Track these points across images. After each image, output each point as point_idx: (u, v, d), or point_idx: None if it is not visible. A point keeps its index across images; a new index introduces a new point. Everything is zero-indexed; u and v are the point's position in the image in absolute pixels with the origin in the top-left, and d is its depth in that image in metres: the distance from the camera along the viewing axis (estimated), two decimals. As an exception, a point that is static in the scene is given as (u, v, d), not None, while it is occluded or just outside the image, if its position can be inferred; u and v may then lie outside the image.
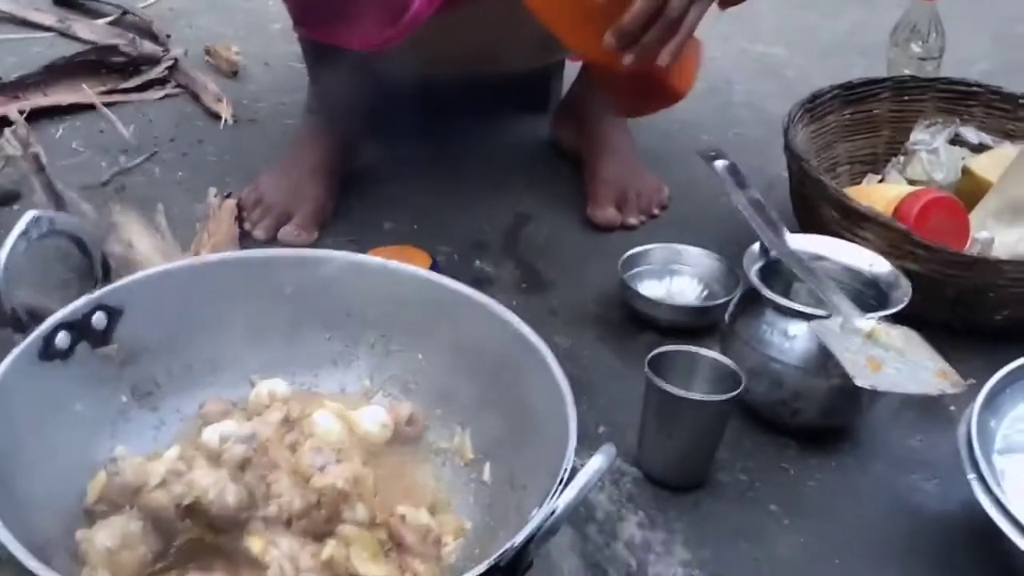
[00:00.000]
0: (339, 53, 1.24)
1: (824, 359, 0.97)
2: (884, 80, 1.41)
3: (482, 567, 0.67)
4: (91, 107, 1.51)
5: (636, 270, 1.21)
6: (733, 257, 1.19)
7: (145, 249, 1.16)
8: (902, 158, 1.36)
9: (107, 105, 1.52)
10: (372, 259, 0.96)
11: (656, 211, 1.36)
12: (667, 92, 1.11)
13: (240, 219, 1.27)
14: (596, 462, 0.70)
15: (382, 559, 0.75)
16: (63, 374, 0.83)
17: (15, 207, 1.31)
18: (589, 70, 1.19)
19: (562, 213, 1.37)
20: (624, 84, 1.09)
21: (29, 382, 0.80)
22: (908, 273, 1.05)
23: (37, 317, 0.85)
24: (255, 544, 0.74)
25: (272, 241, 1.26)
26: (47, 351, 0.82)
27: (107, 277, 0.90)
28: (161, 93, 1.57)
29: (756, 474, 1.00)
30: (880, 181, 1.34)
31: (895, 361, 0.93)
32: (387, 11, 1.13)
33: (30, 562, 0.65)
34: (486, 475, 0.86)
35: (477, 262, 1.28)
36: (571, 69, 1.52)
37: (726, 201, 1.15)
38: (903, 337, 0.96)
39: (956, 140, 1.36)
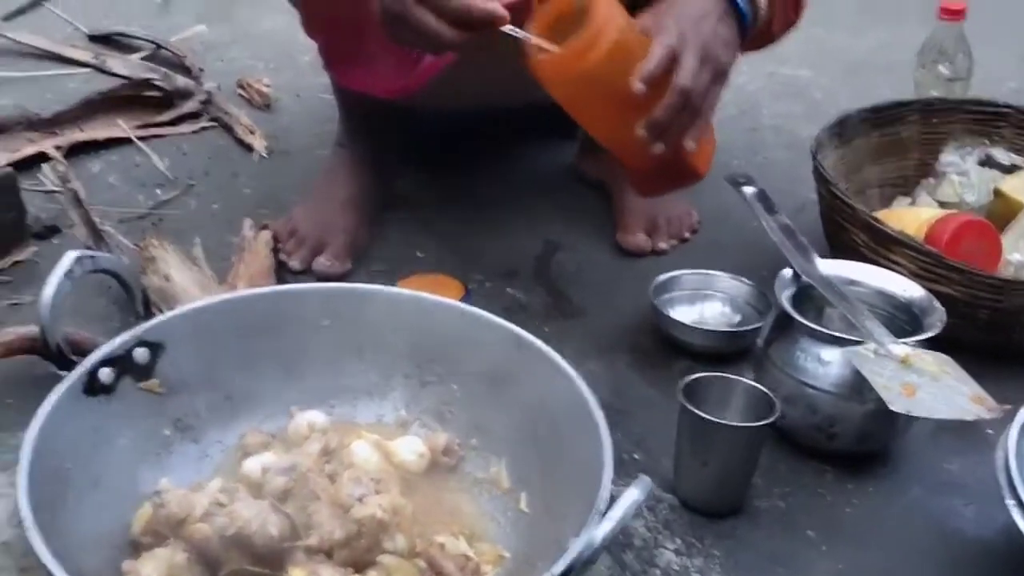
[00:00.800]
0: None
1: (859, 384, 0.97)
2: (912, 102, 1.41)
3: (522, 597, 0.68)
4: (127, 141, 1.54)
5: (667, 296, 1.22)
6: (764, 282, 1.19)
7: (183, 281, 1.18)
8: (932, 180, 1.35)
9: (142, 139, 1.55)
10: (404, 292, 0.98)
11: (686, 235, 1.37)
12: (687, 173, 1.11)
13: (275, 250, 1.28)
14: (632, 494, 0.71)
15: (422, 588, 0.76)
16: (107, 409, 0.85)
17: (54, 241, 1.33)
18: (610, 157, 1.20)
19: (592, 239, 1.38)
20: (643, 172, 1.10)
21: (74, 417, 0.82)
22: (940, 296, 1.05)
23: (79, 350, 0.87)
24: (297, 574, 0.75)
25: (306, 272, 1.28)
26: (91, 386, 0.84)
27: (147, 311, 0.92)
28: (195, 127, 1.60)
29: (793, 500, 1.00)
30: (910, 204, 1.34)
31: (930, 386, 0.93)
32: (402, 63, 1.16)
33: (79, 595, 0.67)
34: (523, 504, 0.87)
35: (508, 290, 1.29)
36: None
37: (756, 226, 1.16)
38: (937, 362, 0.96)
39: (987, 161, 1.36)
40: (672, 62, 0.97)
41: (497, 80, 1.32)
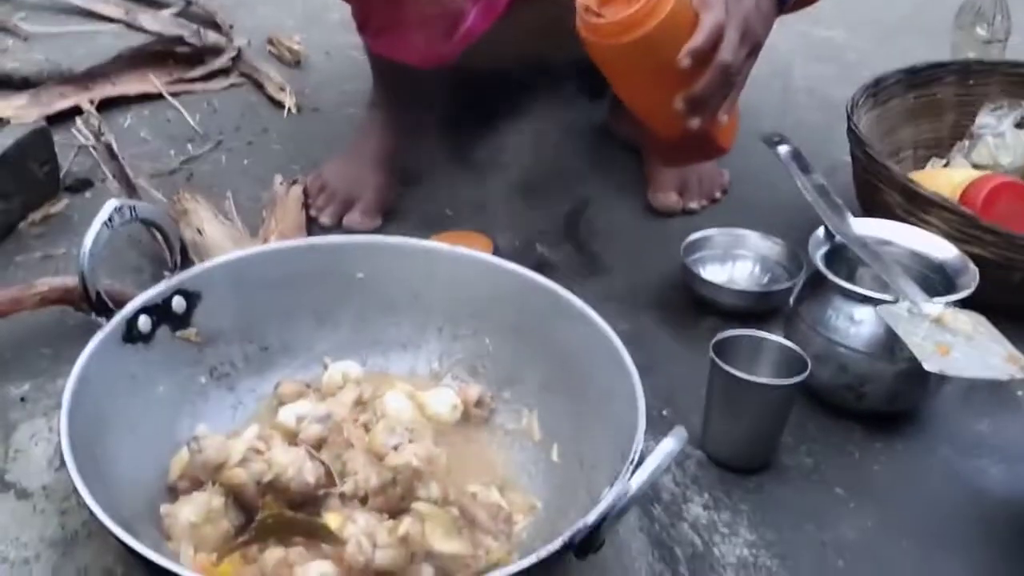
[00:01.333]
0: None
1: (891, 343, 0.97)
2: (948, 64, 1.40)
3: (556, 544, 0.69)
4: (158, 97, 1.55)
5: (698, 255, 1.21)
6: (795, 242, 1.19)
7: (215, 235, 1.19)
8: (967, 142, 1.34)
9: (173, 95, 1.55)
10: (439, 245, 0.98)
11: (717, 195, 1.37)
12: (713, 147, 1.10)
13: (305, 206, 1.29)
14: (668, 444, 0.71)
15: (455, 536, 0.77)
16: (145, 356, 0.86)
17: (87, 194, 1.34)
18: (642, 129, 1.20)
19: (622, 198, 1.37)
20: (674, 144, 1.09)
21: (113, 364, 0.83)
22: (974, 258, 1.05)
23: (116, 302, 0.88)
24: (333, 520, 0.76)
25: (337, 227, 1.29)
26: (130, 334, 0.85)
27: (184, 262, 0.93)
28: (226, 83, 1.60)
29: (821, 457, 1.00)
30: (945, 166, 1.33)
31: (963, 346, 0.92)
32: (442, 28, 1.15)
33: (122, 534, 0.68)
34: (555, 455, 0.88)
35: (538, 248, 1.29)
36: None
37: (788, 186, 1.15)
38: (971, 322, 0.96)
39: (1022, 123, 1.34)
40: (718, 37, 0.96)
41: (530, 40, 1.32)
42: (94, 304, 0.84)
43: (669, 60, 0.95)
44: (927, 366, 0.91)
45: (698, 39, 0.95)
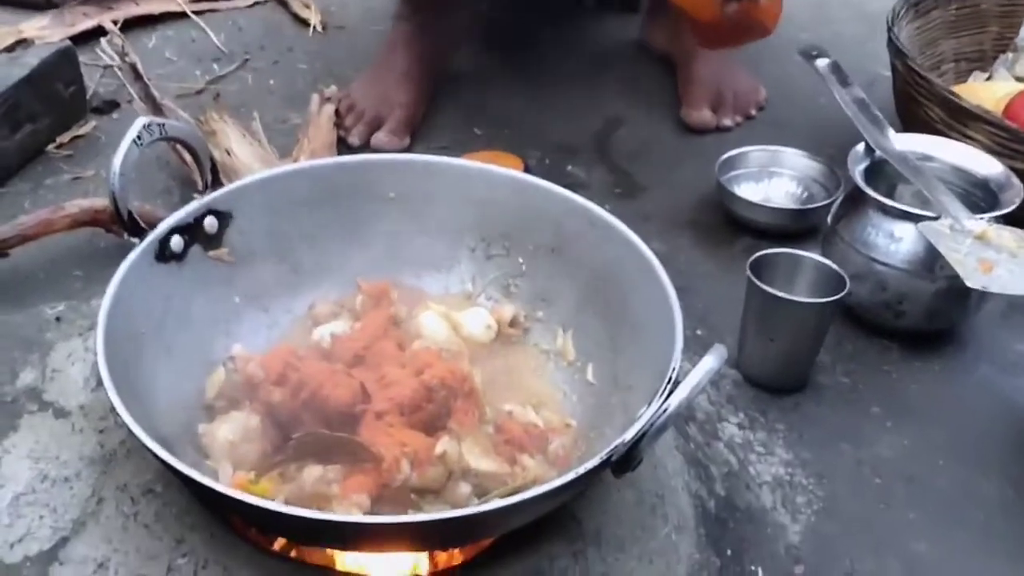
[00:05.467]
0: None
1: (931, 261, 0.95)
2: (991, -26, 1.35)
3: (595, 461, 0.68)
4: (182, 16, 1.53)
5: (733, 173, 1.19)
6: (832, 159, 1.16)
7: (244, 155, 1.18)
8: (1011, 55, 1.30)
9: (197, 14, 1.53)
10: (471, 163, 0.96)
11: (753, 112, 1.34)
12: (754, 28, 1.07)
13: (336, 124, 1.27)
14: (708, 362, 0.70)
15: (492, 454, 0.77)
16: (178, 276, 0.85)
17: (114, 115, 1.33)
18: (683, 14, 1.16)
19: (655, 116, 1.35)
20: (711, 24, 1.06)
21: (147, 283, 0.82)
22: (1018, 173, 1.02)
23: (148, 222, 0.87)
24: (370, 437, 0.76)
25: (365, 147, 1.27)
26: (163, 253, 0.84)
27: (215, 181, 0.92)
28: (250, 1, 1.57)
29: (858, 377, 0.99)
30: (987, 79, 1.29)
31: (1008, 263, 0.91)
32: None
33: (161, 452, 0.68)
34: (589, 375, 0.87)
35: (569, 167, 1.28)
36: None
37: (825, 101, 1.13)
38: (1015, 238, 0.94)
39: (1069, 35, 1.30)
40: None
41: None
42: (126, 224, 0.83)
43: None
44: (970, 283, 0.89)
45: None
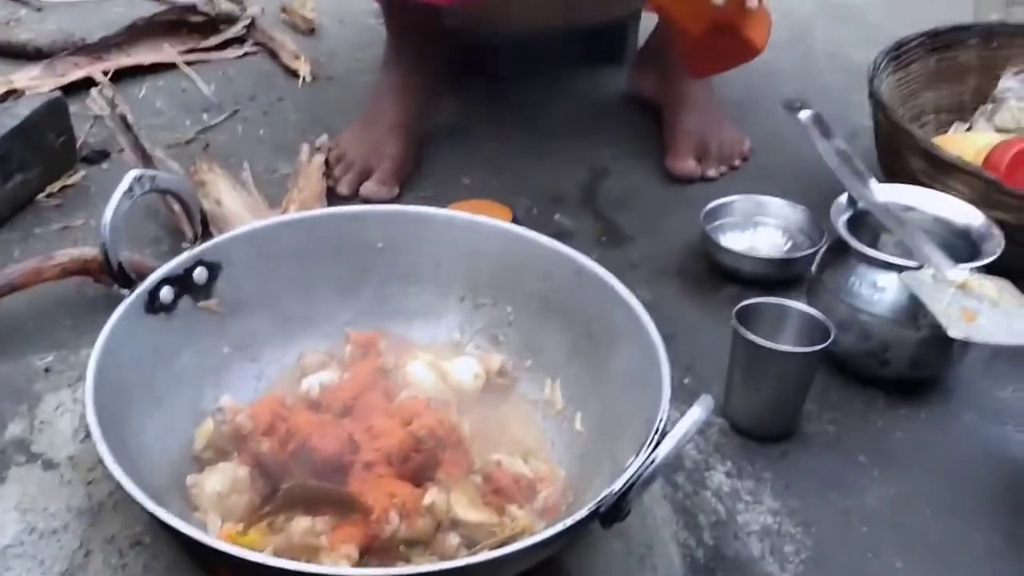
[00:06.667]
0: (416, 8, 1.24)
1: (914, 310, 0.96)
2: (971, 26, 1.38)
3: (583, 512, 0.69)
4: (173, 67, 1.54)
5: (718, 222, 1.21)
6: (817, 208, 1.18)
7: (234, 205, 1.18)
8: (990, 106, 1.33)
9: (188, 64, 1.54)
10: (459, 214, 0.97)
11: (737, 163, 1.35)
12: (744, 47, 1.10)
13: (325, 175, 1.29)
14: (695, 413, 0.71)
15: (480, 505, 0.77)
16: (168, 327, 0.86)
17: (104, 165, 1.34)
18: (667, 28, 1.19)
19: (641, 165, 1.37)
20: (701, 42, 1.09)
21: (136, 335, 0.83)
22: (999, 223, 1.04)
23: (137, 273, 0.87)
24: (358, 488, 0.76)
25: (354, 197, 1.28)
26: (152, 305, 0.85)
27: (205, 232, 0.92)
28: (240, 52, 1.59)
29: (844, 425, 1.00)
30: (968, 130, 1.32)
31: (989, 312, 0.92)
32: None
33: (149, 505, 0.68)
34: (578, 424, 0.88)
35: (556, 216, 1.29)
36: (647, 20, 1.51)
37: (809, 152, 1.14)
38: (997, 287, 0.95)
39: (1047, 86, 1.32)
40: None
41: (550, 4, 1.30)
42: (116, 276, 0.83)
43: None
44: (952, 333, 0.90)
45: None
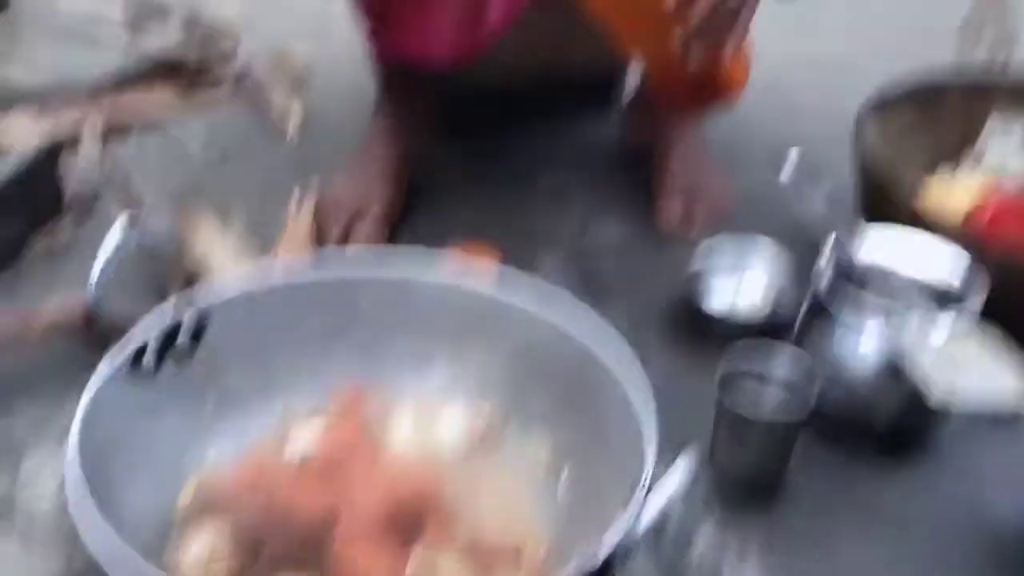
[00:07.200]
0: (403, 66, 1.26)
1: (897, 372, 0.97)
2: (955, 74, 1.39)
3: (568, 578, 0.68)
4: (163, 114, 1.54)
5: (707, 264, 1.21)
6: (801, 258, 1.18)
7: (222, 255, 1.19)
8: (976, 152, 1.33)
9: (179, 112, 1.55)
10: (446, 279, 0.97)
11: (720, 223, 1.36)
12: (727, 85, 1.11)
13: (316, 220, 1.29)
14: (678, 476, 0.71)
15: (465, 570, 0.77)
16: (152, 387, 0.85)
17: (92, 216, 1.34)
18: (649, 78, 1.21)
19: (627, 219, 1.37)
20: (682, 88, 1.10)
21: (120, 397, 0.83)
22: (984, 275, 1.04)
23: (122, 330, 0.87)
24: (341, 552, 0.76)
25: (344, 242, 1.29)
26: (137, 363, 0.85)
27: (189, 286, 0.92)
28: (231, 99, 1.60)
29: (829, 485, 0.99)
30: (953, 175, 1.32)
31: (972, 374, 0.92)
32: (461, 29, 1.15)
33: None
34: (563, 483, 0.87)
35: (541, 268, 1.29)
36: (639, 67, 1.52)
37: (795, 201, 1.15)
38: (980, 347, 0.95)
39: (1031, 131, 1.33)
40: None
41: (539, 50, 1.32)
42: (101, 335, 0.83)
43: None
44: (933, 398, 0.90)
45: None
